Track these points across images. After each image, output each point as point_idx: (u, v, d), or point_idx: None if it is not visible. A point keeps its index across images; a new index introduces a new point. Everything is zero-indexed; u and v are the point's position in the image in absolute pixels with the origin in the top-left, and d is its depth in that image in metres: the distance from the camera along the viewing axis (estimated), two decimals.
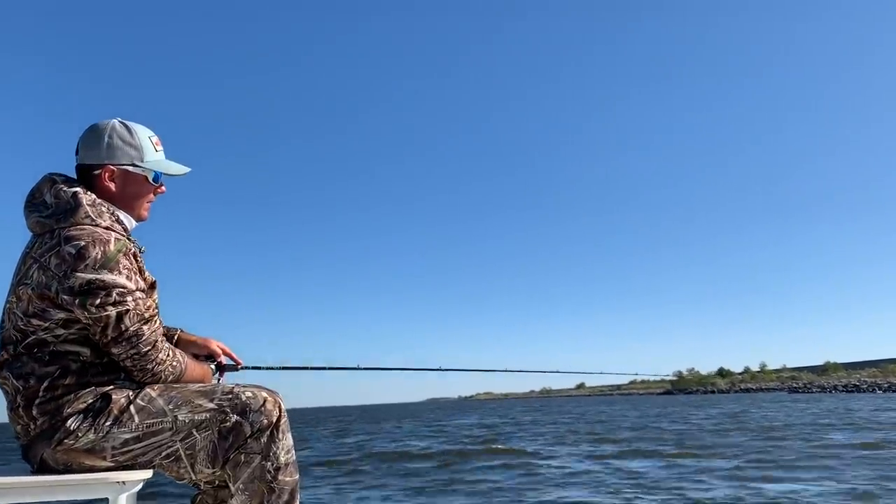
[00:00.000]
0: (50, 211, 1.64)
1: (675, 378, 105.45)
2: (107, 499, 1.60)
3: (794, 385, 75.34)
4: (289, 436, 1.75)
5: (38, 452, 1.62)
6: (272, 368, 2.16)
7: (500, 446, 11.83)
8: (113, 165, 1.74)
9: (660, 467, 7.99)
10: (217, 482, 1.72)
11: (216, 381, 1.93)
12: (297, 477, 1.75)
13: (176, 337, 1.98)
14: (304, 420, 39.10)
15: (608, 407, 39.58)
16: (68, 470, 1.62)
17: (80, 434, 1.58)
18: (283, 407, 1.75)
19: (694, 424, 16.98)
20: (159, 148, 1.83)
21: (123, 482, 1.60)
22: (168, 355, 1.70)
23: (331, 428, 24.24)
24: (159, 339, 1.68)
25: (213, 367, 1.96)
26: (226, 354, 2.02)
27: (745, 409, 25.45)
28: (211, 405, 1.68)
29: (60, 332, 1.59)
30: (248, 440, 1.68)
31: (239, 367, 2.06)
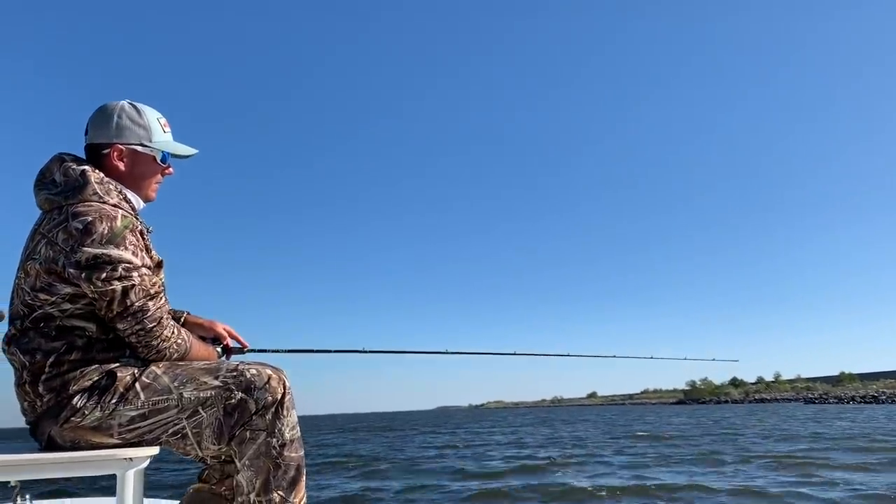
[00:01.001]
0: (59, 188, 1.65)
1: (687, 388, 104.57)
2: (115, 475, 1.61)
3: (810, 396, 74.26)
4: (293, 412, 1.74)
5: (46, 430, 1.63)
6: (278, 351, 2.16)
7: (527, 454, 11.65)
8: (122, 145, 1.76)
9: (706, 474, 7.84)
10: (223, 458, 1.72)
11: None
12: (303, 453, 1.75)
13: (182, 319, 1.99)
14: (318, 427, 38.86)
15: (622, 416, 39.15)
16: (76, 447, 1.63)
17: (86, 412, 1.59)
18: (287, 384, 1.75)
19: (732, 432, 16.90)
20: (167, 129, 1.84)
21: (131, 459, 1.60)
22: (173, 333, 1.71)
23: (349, 437, 24.07)
24: (164, 317, 1.69)
25: (219, 349, 1.96)
26: (232, 337, 2.03)
27: (772, 419, 25.15)
28: (216, 382, 1.68)
29: (67, 306, 1.60)
30: (254, 417, 1.68)
31: (245, 349, 2.07)
